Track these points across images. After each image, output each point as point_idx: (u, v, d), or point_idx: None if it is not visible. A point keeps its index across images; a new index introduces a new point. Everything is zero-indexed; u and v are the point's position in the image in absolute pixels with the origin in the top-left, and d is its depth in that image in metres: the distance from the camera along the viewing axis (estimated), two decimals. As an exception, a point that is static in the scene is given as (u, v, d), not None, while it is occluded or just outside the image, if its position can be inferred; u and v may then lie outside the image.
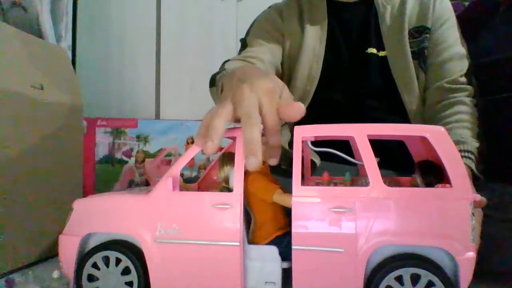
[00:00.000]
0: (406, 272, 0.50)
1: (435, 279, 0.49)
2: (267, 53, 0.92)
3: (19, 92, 0.79)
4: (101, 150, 1.49)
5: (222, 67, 0.86)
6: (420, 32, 0.91)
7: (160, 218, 0.55)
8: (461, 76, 0.87)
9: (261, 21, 1.00)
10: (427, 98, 0.90)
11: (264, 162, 0.58)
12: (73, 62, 1.58)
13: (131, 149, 1.49)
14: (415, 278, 0.50)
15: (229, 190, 0.55)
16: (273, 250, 0.55)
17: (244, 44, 0.97)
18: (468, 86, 0.86)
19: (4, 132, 0.75)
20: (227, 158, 0.58)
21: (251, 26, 1.01)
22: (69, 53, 1.42)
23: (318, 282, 0.52)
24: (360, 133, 0.53)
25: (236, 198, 0.53)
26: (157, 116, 1.72)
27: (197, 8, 1.73)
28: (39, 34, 1.19)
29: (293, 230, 0.52)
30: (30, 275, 0.75)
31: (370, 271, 0.51)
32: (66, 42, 1.39)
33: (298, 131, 0.55)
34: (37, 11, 1.19)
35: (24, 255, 0.80)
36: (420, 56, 0.91)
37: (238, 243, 0.53)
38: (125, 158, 1.49)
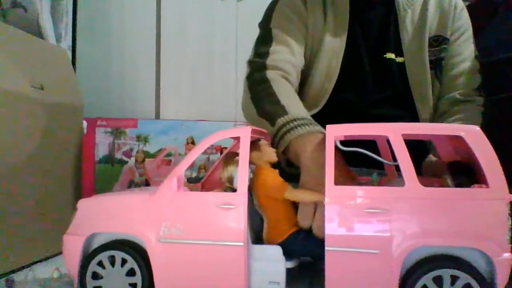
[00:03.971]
0: (445, 273, 0.49)
1: (473, 282, 0.49)
2: (296, 54, 0.88)
3: (19, 92, 0.79)
4: (101, 150, 1.49)
5: (273, 92, 0.78)
6: (439, 42, 0.90)
7: (164, 218, 0.55)
8: (473, 89, 0.87)
9: (283, 6, 0.92)
10: (438, 107, 0.90)
11: (271, 163, 0.59)
12: (73, 62, 1.58)
13: (131, 149, 1.49)
14: (450, 280, 0.50)
15: (233, 190, 0.55)
16: (277, 250, 0.55)
17: (267, 34, 0.89)
18: (479, 98, 0.87)
19: (4, 132, 0.75)
20: (231, 158, 0.58)
21: (272, 10, 0.93)
22: (69, 53, 1.42)
23: (352, 283, 0.51)
24: (394, 132, 0.52)
25: (240, 198, 0.53)
26: (157, 116, 1.72)
27: (197, 8, 1.73)
28: (39, 34, 1.19)
29: (327, 230, 0.51)
30: (30, 275, 0.75)
31: (405, 272, 0.51)
32: (66, 42, 1.39)
33: (331, 130, 0.54)
34: (37, 11, 1.19)
35: (24, 255, 0.79)
36: (437, 66, 0.90)
37: (242, 243, 0.53)
38: (125, 158, 1.49)
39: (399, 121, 0.87)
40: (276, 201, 0.56)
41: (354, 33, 0.92)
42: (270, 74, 0.82)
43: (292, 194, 0.55)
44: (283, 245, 0.56)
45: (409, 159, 0.51)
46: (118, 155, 1.49)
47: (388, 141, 0.54)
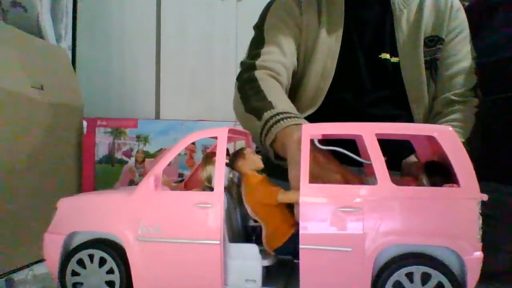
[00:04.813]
0: (417, 270, 0.50)
1: (444, 280, 0.49)
2: (288, 55, 0.88)
3: (19, 92, 0.79)
4: (101, 150, 1.49)
5: (260, 90, 0.79)
6: (434, 42, 0.90)
7: (142, 217, 0.56)
8: (468, 90, 0.87)
9: (277, 8, 0.93)
10: (433, 107, 0.90)
11: (258, 171, 0.59)
12: (73, 62, 1.58)
13: (131, 149, 1.49)
14: (424, 278, 0.50)
15: (212, 189, 0.56)
16: (254, 249, 0.55)
17: (261, 36, 0.91)
18: (473, 99, 0.86)
19: (4, 132, 0.75)
20: (210, 158, 0.58)
21: (266, 12, 0.94)
22: (69, 53, 1.42)
23: (325, 281, 0.52)
24: (368, 132, 0.53)
25: (217, 197, 0.54)
26: (157, 116, 1.73)
27: (197, 8, 1.73)
28: (39, 34, 1.19)
29: (301, 229, 0.52)
30: (30, 275, 0.75)
31: (378, 270, 0.51)
32: (66, 42, 1.39)
33: (306, 129, 0.55)
34: (37, 11, 1.19)
35: (24, 255, 0.80)
36: (432, 66, 0.90)
37: (218, 242, 0.54)
38: (125, 158, 1.49)
39: (397, 121, 0.87)
40: (270, 207, 0.56)
41: (349, 32, 0.91)
42: (259, 73, 0.83)
43: (286, 197, 0.55)
44: (284, 247, 0.56)
45: (382, 158, 0.52)
46: (118, 155, 1.49)
47: None
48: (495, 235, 0.74)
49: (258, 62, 0.85)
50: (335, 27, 0.91)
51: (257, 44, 0.91)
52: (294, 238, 0.56)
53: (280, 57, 0.87)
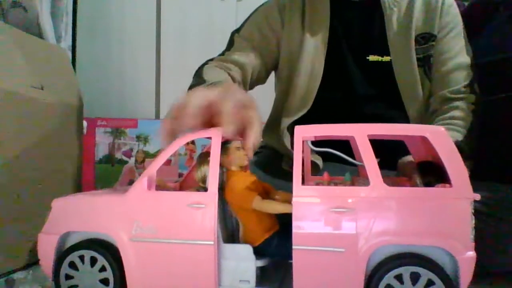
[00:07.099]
0: (406, 271, 0.50)
1: (435, 278, 0.49)
2: (250, 58, 0.92)
3: (19, 92, 0.79)
4: (101, 150, 1.49)
5: (201, 75, 0.86)
6: (426, 39, 0.90)
7: (136, 217, 0.56)
8: (464, 86, 0.86)
9: (258, 18, 0.97)
10: (429, 105, 0.90)
11: (242, 167, 0.59)
12: (73, 62, 1.58)
13: (131, 149, 1.50)
14: (415, 278, 0.50)
15: (206, 190, 0.56)
16: (248, 249, 0.55)
17: (231, 41, 0.96)
18: (470, 95, 0.86)
19: (4, 132, 0.75)
20: (205, 158, 0.58)
21: (247, 19, 0.98)
22: (69, 53, 1.42)
23: (319, 282, 0.52)
24: (360, 133, 0.53)
25: (210, 198, 0.54)
26: (157, 116, 1.73)
27: (197, 8, 1.73)
28: (39, 34, 1.19)
29: (294, 229, 0.52)
30: (30, 275, 0.75)
31: (371, 271, 0.52)
32: (66, 42, 1.39)
33: (299, 131, 0.55)
34: (37, 11, 1.19)
35: (24, 255, 0.80)
36: (426, 63, 0.89)
37: (212, 242, 0.53)
38: (125, 158, 1.49)
39: (390, 119, 0.87)
40: (246, 209, 0.56)
41: (336, 32, 0.92)
42: (207, 66, 0.90)
43: (259, 205, 0.55)
44: (258, 249, 0.56)
45: (374, 159, 0.52)
46: (118, 155, 1.49)
47: None
48: (496, 235, 0.74)
49: (215, 58, 0.92)
50: (321, 27, 0.91)
51: (227, 46, 0.96)
52: (270, 244, 0.56)
53: (239, 57, 0.91)
